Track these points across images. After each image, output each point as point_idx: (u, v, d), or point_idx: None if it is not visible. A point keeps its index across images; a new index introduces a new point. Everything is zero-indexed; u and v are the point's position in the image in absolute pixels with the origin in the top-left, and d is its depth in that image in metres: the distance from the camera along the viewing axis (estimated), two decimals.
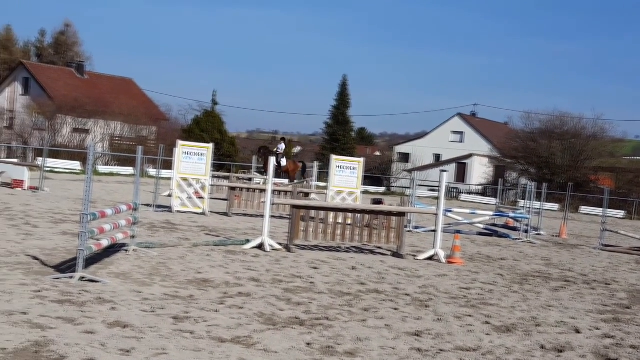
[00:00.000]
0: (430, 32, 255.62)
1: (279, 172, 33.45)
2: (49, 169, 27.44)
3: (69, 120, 48.85)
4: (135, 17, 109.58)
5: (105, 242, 10.04)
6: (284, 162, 34.10)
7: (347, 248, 14.46)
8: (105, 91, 56.10)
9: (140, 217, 12.40)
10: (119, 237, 10.84)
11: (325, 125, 72.92)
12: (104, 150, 47.00)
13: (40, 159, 26.79)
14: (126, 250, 11.36)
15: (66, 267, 9.55)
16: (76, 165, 37.44)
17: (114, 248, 11.26)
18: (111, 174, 37.69)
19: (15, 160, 30.64)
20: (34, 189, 22.01)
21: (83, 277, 8.75)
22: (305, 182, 31.10)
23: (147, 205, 19.15)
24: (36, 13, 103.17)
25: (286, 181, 31.20)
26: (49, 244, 11.54)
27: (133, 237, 11.55)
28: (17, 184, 22.26)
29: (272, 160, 14.52)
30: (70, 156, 40.56)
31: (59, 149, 41.01)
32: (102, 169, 39.33)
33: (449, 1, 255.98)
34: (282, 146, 35.34)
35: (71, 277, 8.72)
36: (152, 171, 35.64)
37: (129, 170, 39.30)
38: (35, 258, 10.11)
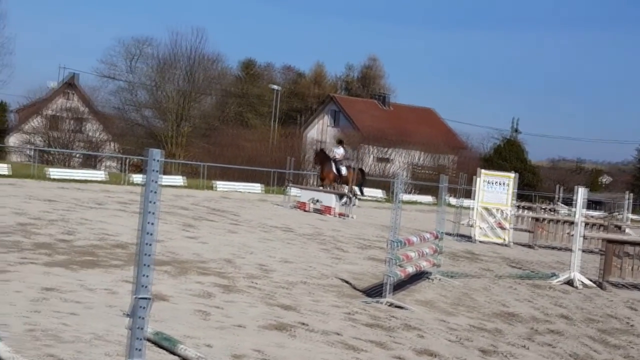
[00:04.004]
0: None
1: (339, 182, 27.97)
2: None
3: (373, 149, 51.18)
4: (437, 47, 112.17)
5: (410, 270, 10.23)
6: (344, 170, 28.03)
7: None
8: (407, 121, 57.86)
9: (442, 246, 12.47)
10: (423, 265, 10.99)
11: (638, 152, 67.73)
12: (405, 179, 48.40)
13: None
14: (430, 279, 11.48)
15: (374, 291, 9.89)
16: (379, 193, 38.96)
17: (418, 275, 11.44)
18: (412, 202, 38.59)
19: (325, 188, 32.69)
20: (342, 215, 23.27)
21: (390, 303, 8.99)
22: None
23: (448, 234, 19.22)
24: (345, 49, 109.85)
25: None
26: (357, 269, 12.06)
27: (437, 265, 11.65)
28: (327, 210, 23.71)
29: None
30: (373, 184, 42.33)
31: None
32: (403, 197, 40.41)
33: None
34: (340, 151, 28.92)
35: (379, 302, 9.00)
36: (452, 200, 35.87)
37: (428, 198, 39.95)
38: (346, 281, 10.62)
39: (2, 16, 41.44)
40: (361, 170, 30.60)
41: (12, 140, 50.15)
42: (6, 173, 26.64)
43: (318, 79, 74.16)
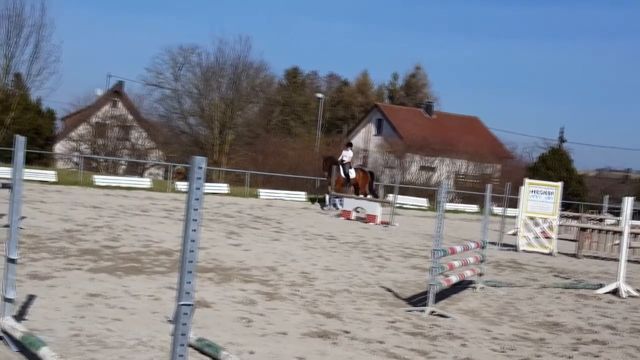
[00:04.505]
0: None
1: (347, 185, 27.87)
2: (398, 205, 28.77)
3: (417, 158, 50.94)
4: (482, 56, 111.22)
5: (454, 278, 10.15)
6: (352, 173, 27.99)
7: None
8: (452, 130, 57.47)
9: (486, 255, 12.34)
10: (467, 274, 10.89)
11: None
12: (449, 188, 47.99)
13: (391, 195, 28.22)
14: (473, 288, 11.37)
15: (417, 300, 9.84)
16: (423, 201, 38.72)
17: (461, 285, 11.33)
18: (455, 211, 38.26)
19: (368, 196, 32.66)
20: (385, 223, 23.20)
21: (433, 312, 8.93)
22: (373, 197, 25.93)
23: (492, 243, 19.01)
24: (389, 58, 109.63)
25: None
26: (400, 277, 12.00)
27: (481, 274, 11.53)
28: (370, 218, 23.68)
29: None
30: (417, 193, 42.13)
31: (407, 186, 42.87)
32: (447, 206, 40.02)
33: None
34: (349, 153, 28.63)
35: (422, 311, 8.95)
36: (496, 209, 35.45)
37: (473, 207, 39.58)
38: (389, 290, 10.58)
39: (49, 24, 42.22)
40: (370, 172, 30.44)
41: (59, 147, 51.13)
42: (53, 180, 27.13)
43: (362, 87, 74.16)
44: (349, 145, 30.11)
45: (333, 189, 27.41)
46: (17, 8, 40.74)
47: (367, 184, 28.74)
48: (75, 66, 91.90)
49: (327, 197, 27.81)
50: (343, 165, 27.74)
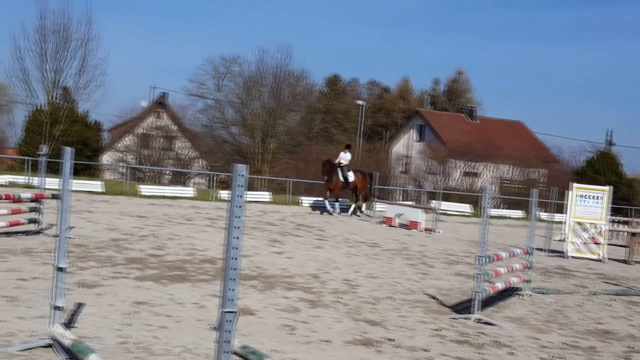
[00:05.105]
0: None
1: (346, 188, 26.71)
2: (442, 212, 28.52)
3: (460, 164, 50.55)
4: (525, 60, 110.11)
5: (500, 285, 10.01)
6: (351, 176, 26.49)
7: None
8: (495, 135, 56.88)
9: (533, 262, 12.15)
10: (513, 280, 10.74)
11: None
12: (493, 193, 47.45)
13: (434, 201, 28.01)
14: (520, 295, 11.20)
15: (462, 307, 9.71)
16: (466, 207, 38.35)
17: (508, 292, 11.17)
18: (500, 217, 37.81)
19: (411, 203, 32.46)
20: (428, 230, 23.02)
21: (479, 319, 8.82)
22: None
23: (539, 249, 18.73)
24: (431, 64, 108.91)
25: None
26: (445, 284, 11.89)
27: (528, 281, 11.36)
28: (413, 225, 23.51)
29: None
30: (461, 199, 41.76)
31: (450, 192, 42.52)
32: (491, 211, 39.56)
33: None
34: (347, 156, 26.94)
35: (467, 318, 8.84)
36: (543, 214, 34.92)
37: (518, 213, 39.06)
38: (433, 297, 10.48)
39: (96, 38, 43.06)
40: (369, 174, 29.28)
41: (106, 158, 51.95)
42: (100, 190, 27.53)
43: (403, 93, 73.82)
44: (348, 147, 28.84)
45: (333, 194, 27.02)
46: (64, 23, 41.68)
47: (368, 186, 27.84)
48: (120, 78, 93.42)
49: (326, 203, 27.26)
50: (341, 168, 26.69)
